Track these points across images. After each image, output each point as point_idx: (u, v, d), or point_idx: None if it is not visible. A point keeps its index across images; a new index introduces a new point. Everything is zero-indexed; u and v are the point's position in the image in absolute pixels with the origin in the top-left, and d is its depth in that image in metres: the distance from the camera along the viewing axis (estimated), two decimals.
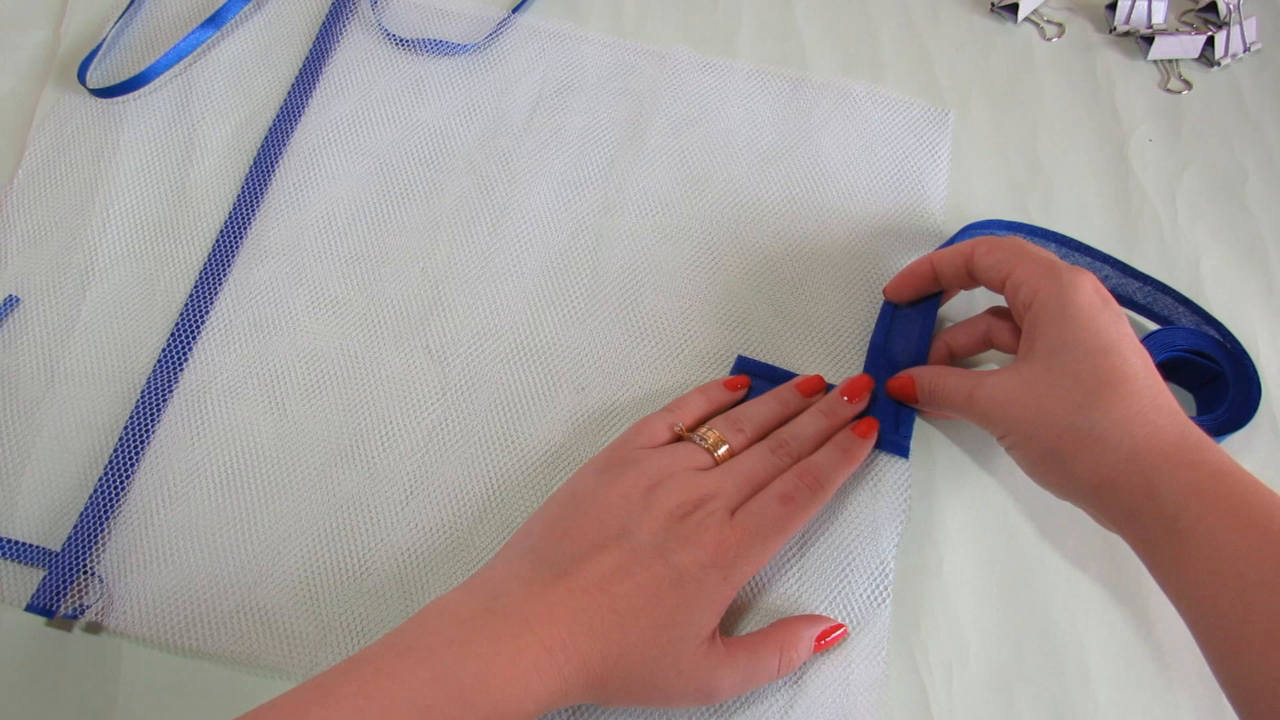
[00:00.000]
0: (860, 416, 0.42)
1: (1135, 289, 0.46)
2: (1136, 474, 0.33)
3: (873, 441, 0.41)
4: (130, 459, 0.41)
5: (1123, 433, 0.34)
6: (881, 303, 0.45)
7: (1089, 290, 0.37)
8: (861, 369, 0.44)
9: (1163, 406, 0.35)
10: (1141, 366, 0.36)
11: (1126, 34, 0.55)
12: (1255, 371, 0.43)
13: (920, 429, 0.43)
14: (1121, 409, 0.34)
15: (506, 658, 0.31)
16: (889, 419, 0.42)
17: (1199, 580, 0.32)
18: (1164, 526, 0.33)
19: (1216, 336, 0.44)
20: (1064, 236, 0.46)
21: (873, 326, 0.45)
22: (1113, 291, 0.40)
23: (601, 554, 0.34)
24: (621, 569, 0.34)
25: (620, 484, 0.37)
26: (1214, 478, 0.32)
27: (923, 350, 0.43)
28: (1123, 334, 0.36)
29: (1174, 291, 0.45)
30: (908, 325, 0.44)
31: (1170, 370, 0.44)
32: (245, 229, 0.47)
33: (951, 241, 0.46)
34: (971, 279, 0.41)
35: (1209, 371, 0.43)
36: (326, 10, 0.54)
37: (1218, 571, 0.31)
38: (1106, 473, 0.34)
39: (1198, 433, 0.34)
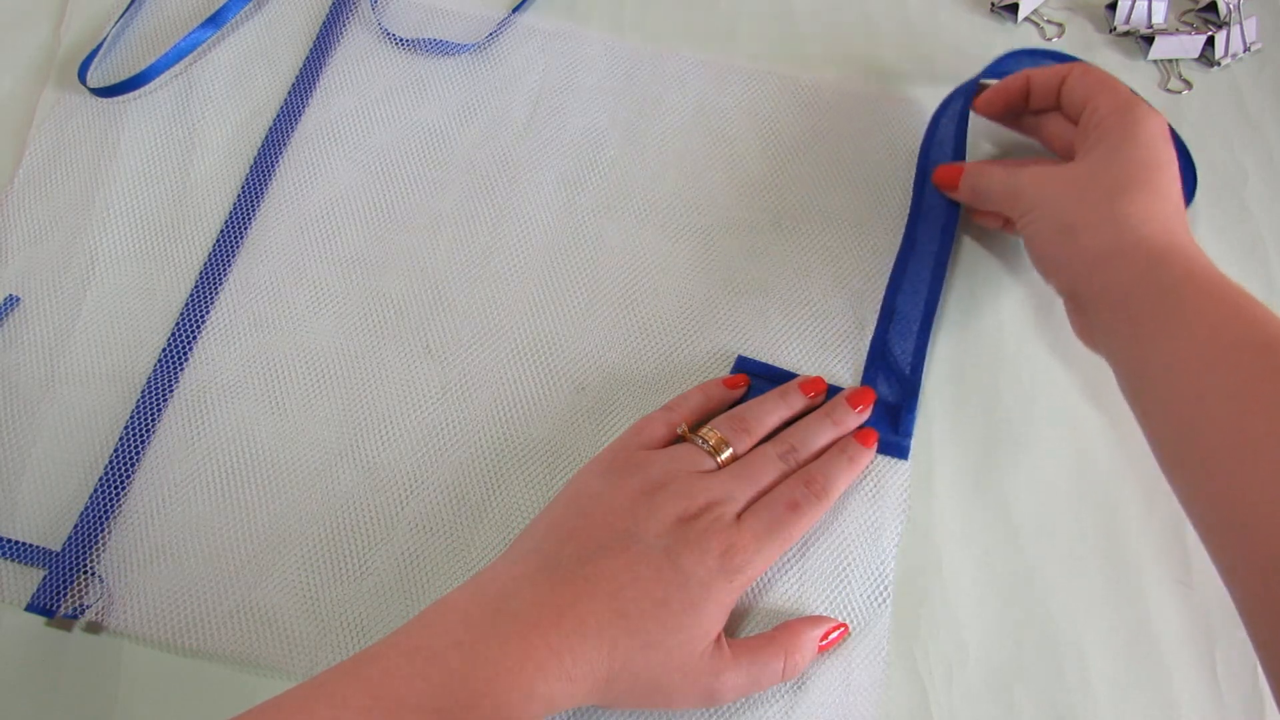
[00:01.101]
0: (862, 425, 0.42)
1: None
2: (1142, 253, 0.36)
3: (874, 450, 0.41)
4: (130, 459, 0.41)
5: (1140, 219, 0.37)
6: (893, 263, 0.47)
7: (1159, 125, 0.40)
8: (863, 368, 0.44)
9: (1182, 220, 0.38)
10: (1175, 189, 0.38)
11: (1126, 34, 0.55)
12: (1190, 156, 0.49)
13: (920, 430, 0.43)
14: (1145, 203, 0.37)
15: (514, 660, 0.31)
16: (888, 423, 0.43)
17: (1190, 355, 0.34)
18: (1158, 302, 0.35)
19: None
20: None
21: (874, 328, 0.45)
22: None
23: (608, 556, 0.34)
24: (628, 572, 0.34)
25: (625, 486, 0.37)
26: (1210, 273, 0.35)
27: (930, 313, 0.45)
28: (1171, 162, 0.39)
29: None
30: (917, 278, 0.46)
31: None
32: (245, 228, 0.47)
33: (990, 69, 0.50)
34: (1057, 101, 0.44)
35: None
36: (326, 10, 0.54)
37: (1211, 341, 0.33)
38: (1114, 246, 0.37)
39: (1204, 252, 0.37)
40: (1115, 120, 0.40)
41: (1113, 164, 0.39)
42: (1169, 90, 0.53)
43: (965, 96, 0.49)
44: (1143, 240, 0.36)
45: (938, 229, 0.47)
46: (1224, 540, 0.32)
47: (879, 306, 0.45)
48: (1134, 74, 0.54)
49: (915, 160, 0.50)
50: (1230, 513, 0.31)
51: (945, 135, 0.49)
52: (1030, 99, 0.45)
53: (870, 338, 0.45)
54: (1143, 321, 0.35)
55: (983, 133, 0.51)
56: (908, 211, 0.48)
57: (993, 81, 0.48)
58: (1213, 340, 0.33)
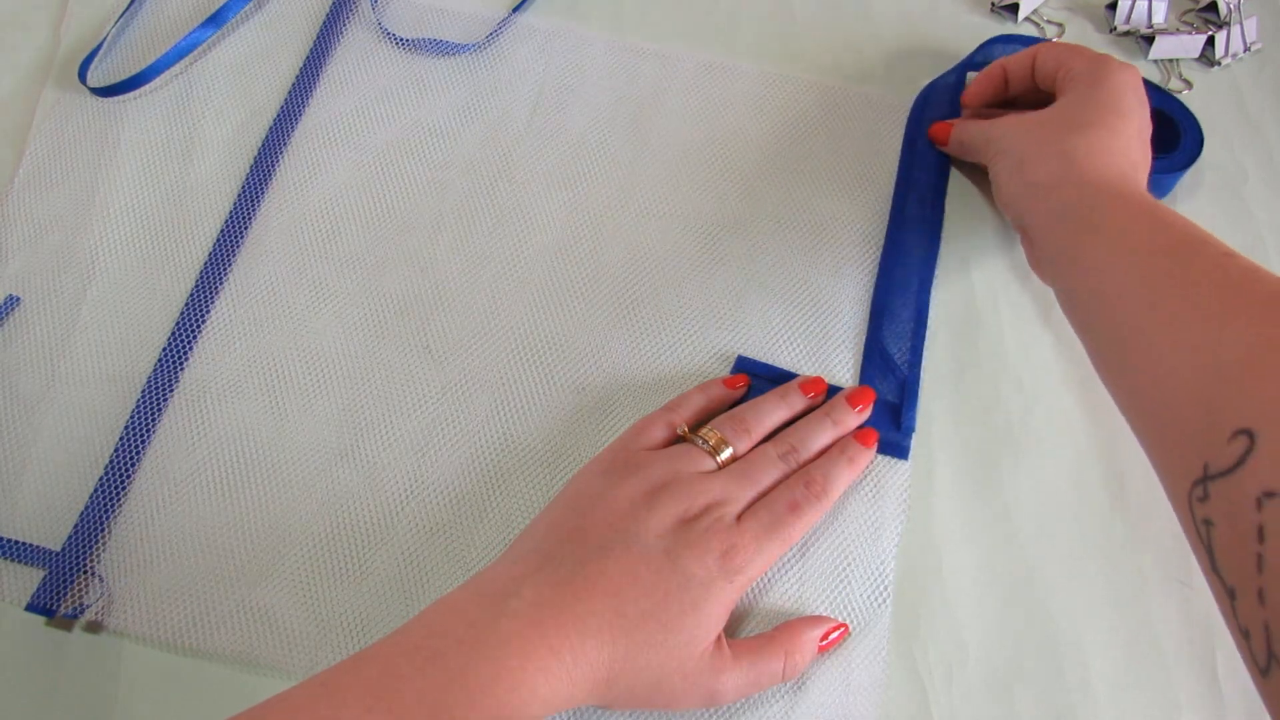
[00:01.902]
0: (862, 424, 0.42)
1: None
2: (1076, 183, 0.38)
3: (874, 450, 0.41)
4: (130, 459, 0.41)
5: (1084, 154, 0.39)
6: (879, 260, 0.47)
7: (1127, 76, 0.42)
8: (860, 368, 0.44)
9: (1132, 163, 0.40)
10: (1132, 136, 0.40)
11: (1126, 34, 0.55)
12: (1196, 119, 0.49)
13: (920, 430, 0.43)
14: (1095, 139, 0.40)
15: (515, 661, 0.31)
16: (889, 422, 0.43)
17: (1110, 263, 0.35)
18: (1085, 223, 0.37)
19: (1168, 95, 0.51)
20: None
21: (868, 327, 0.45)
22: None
23: (608, 557, 0.34)
24: (629, 573, 0.34)
25: (626, 487, 0.37)
26: (1140, 201, 0.37)
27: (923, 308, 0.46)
28: (1133, 111, 0.41)
29: None
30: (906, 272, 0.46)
31: None
32: (245, 228, 0.47)
33: (971, 58, 0.52)
34: (1033, 77, 0.46)
35: (1160, 122, 0.49)
36: (327, 10, 0.54)
37: (1127, 249, 0.35)
38: (1058, 176, 0.39)
39: (1145, 187, 0.39)
40: (1085, 70, 0.42)
41: (1073, 106, 0.42)
42: (1169, 90, 0.53)
43: (951, 90, 0.50)
44: (1085, 171, 0.38)
45: (922, 225, 0.47)
46: (1152, 424, 0.33)
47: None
48: None
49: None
50: (1155, 394, 0.32)
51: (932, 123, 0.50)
52: (1009, 85, 0.47)
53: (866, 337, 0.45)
54: (1075, 243, 0.37)
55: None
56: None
57: (975, 75, 0.50)
58: (1129, 247, 0.35)
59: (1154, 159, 0.47)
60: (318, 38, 0.53)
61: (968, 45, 0.54)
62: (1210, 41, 0.54)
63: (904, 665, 0.39)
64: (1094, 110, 0.41)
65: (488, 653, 0.31)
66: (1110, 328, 0.35)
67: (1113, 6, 0.55)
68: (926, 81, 0.53)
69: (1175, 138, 0.48)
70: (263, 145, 0.50)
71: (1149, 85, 0.50)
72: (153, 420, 0.42)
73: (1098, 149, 0.39)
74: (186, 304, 0.45)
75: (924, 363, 0.45)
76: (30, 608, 0.38)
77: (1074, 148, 0.40)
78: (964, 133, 0.47)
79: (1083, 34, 0.55)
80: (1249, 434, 0.28)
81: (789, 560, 0.40)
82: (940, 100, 0.51)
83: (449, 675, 0.30)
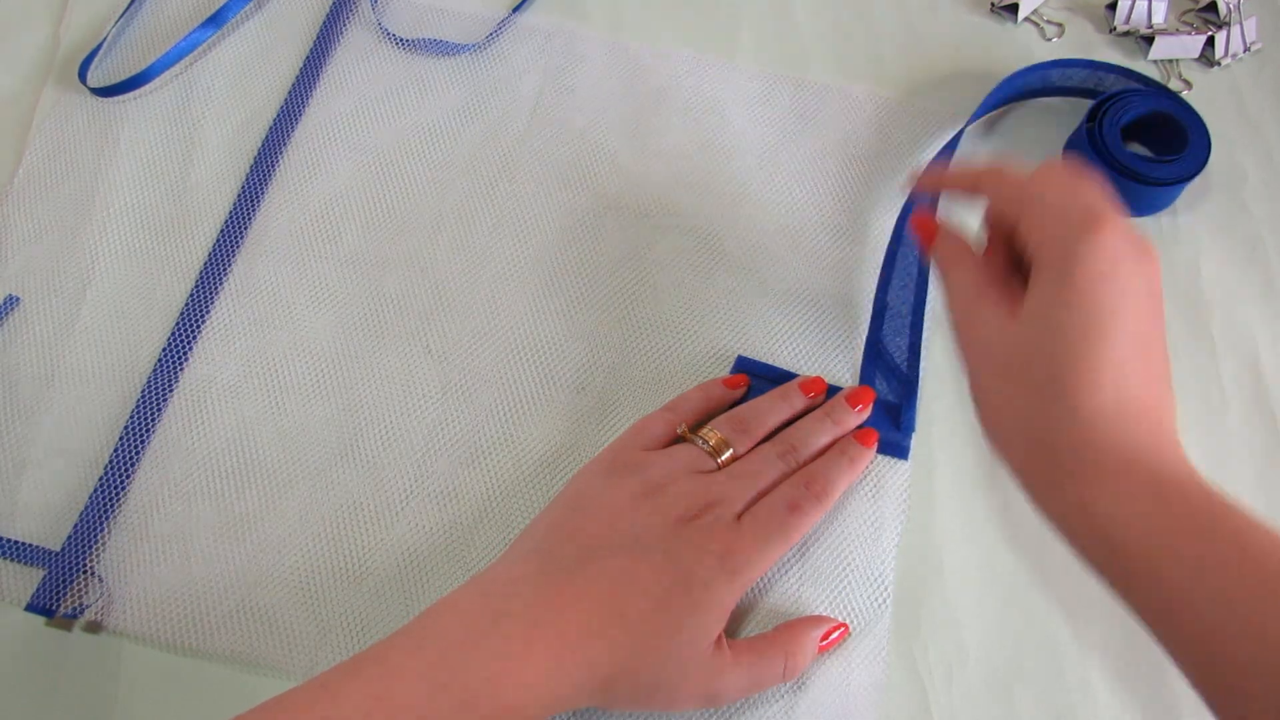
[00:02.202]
0: (861, 424, 0.42)
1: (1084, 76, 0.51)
2: (1050, 446, 0.30)
3: (874, 450, 0.41)
4: (130, 459, 0.41)
5: (1056, 399, 0.30)
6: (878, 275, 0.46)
7: (1111, 244, 0.30)
8: (860, 368, 0.44)
9: (1128, 388, 0.30)
10: (1134, 340, 0.30)
11: (1126, 34, 0.55)
12: (1203, 122, 0.48)
13: (920, 430, 0.43)
14: (1096, 386, 0.30)
15: (516, 662, 0.31)
16: (889, 422, 0.43)
17: (1121, 529, 0.29)
18: (1078, 493, 0.30)
19: (1171, 95, 0.50)
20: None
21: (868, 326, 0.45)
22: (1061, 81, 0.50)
23: (609, 557, 0.34)
24: (629, 573, 0.34)
25: (626, 487, 0.37)
26: (1138, 467, 0.29)
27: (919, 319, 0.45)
28: (1130, 298, 0.30)
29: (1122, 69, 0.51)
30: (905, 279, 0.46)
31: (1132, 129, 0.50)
32: (245, 228, 0.47)
33: (1003, 88, 0.50)
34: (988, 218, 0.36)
35: (1167, 124, 0.49)
36: (327, 10, 0.54)
37: (1141, 529, 0.28)
38: (1029, 439, 0.31)
39: (1148, 420, 0.30)
40: (1051, 245, 0.31)
41: (1040, 318, 0.31)
42: (1169, 90, 0.53)
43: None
44: (1058, 428, 0.30)
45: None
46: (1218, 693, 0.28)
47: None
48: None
49: (916, 161, 0.50)
50: (1228, 680, 0.28)
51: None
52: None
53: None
54: (1070, 502, 0.30)
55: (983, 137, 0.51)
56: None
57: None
58: (1139, 526, 0.29)
59: (1160, 165, 0.47)
60: (318, 38, 0.53)
61: (968, 45, 0.54)
62: (1210, 41, 0.54)
63: (904, 665, 0.39)
64: (1069, 323, 0.30)
65: (489, 653, 0.31)
66: (1142, 588, 0.29)
67: (1113, 6, 0.55)
68: (926, 82, 0.53)
69: (1183, 143, 0.48)
70: (263, 145, 0.49)
71: (1155, 88, 0.49)
72: (153, 420, 0.42)
73: (1075, 388, 0.30)
74: (186, 304, 0.45)
75: (924, 363, 0.45)
76: (30, 608, 0.38)
77: (1077, 406, 0.30)
78: (946, 274, 0.36)
79: (1083, 34, 0.55)
80: None
81: (789, 560, 0.40)
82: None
83: (449, 676, 0.30)
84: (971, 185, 0.35)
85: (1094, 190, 0.32)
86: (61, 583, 0.38)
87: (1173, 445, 0.31)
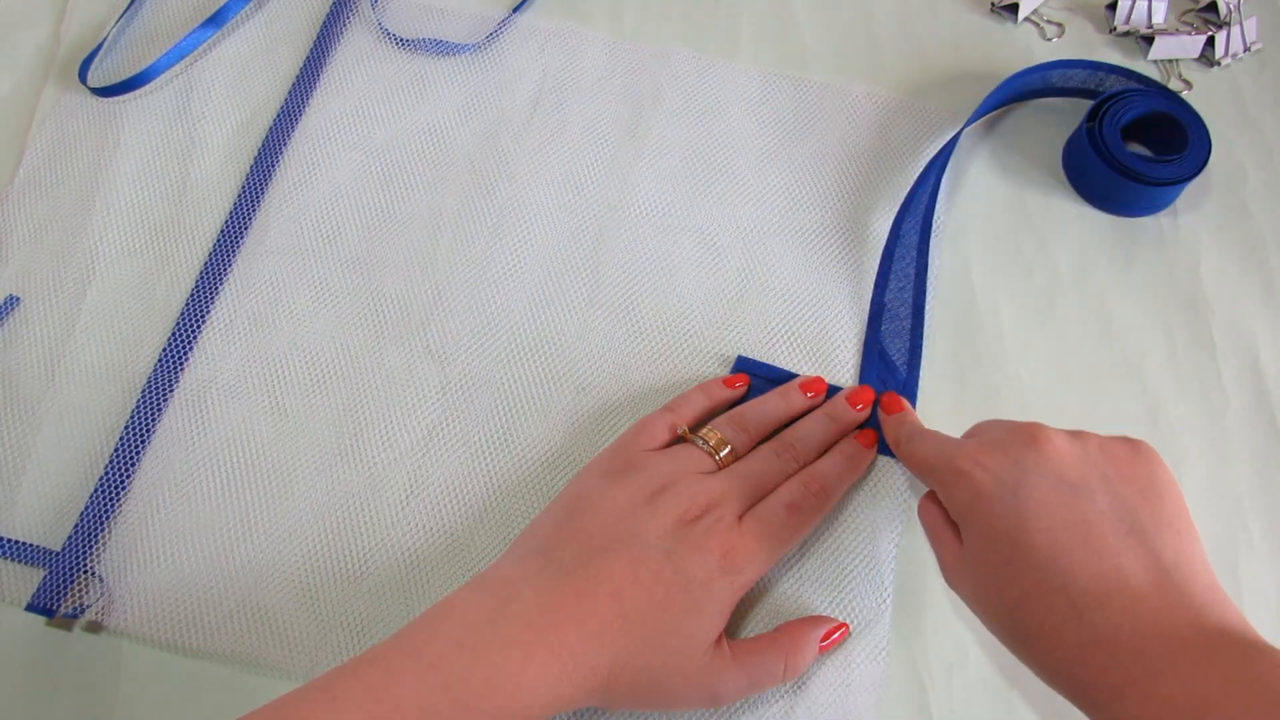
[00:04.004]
0: (862, 424, 0.42)
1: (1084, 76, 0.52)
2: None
3: (875, 451, 0.41)
4: (130, 459, 0.41)
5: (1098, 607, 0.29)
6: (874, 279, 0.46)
7: (1041, 494, 0.31)
8: (860, 368, 0.44)
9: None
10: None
11: (1126, 34, 0.55)
12: (1203, 122, 0.48)
13: None
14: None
15: (516, 664, 0.31)
16: None
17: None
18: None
19: (1172, 95, 0.50)
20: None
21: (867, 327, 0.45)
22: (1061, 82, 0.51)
23: (609, 558, 0.34)
24: (629, 574, 0.34)
25: (626, 488, 0.37)
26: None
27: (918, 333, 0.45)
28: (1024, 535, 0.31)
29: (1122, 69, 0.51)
30: (902, 284, 0.46)
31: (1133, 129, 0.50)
32: (245, 228, 0.47)
33: (993, 96, 0.50)
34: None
35: (1167, 124, 0.49)
36: (327, 10, 0.54)
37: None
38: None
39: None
40: (966, 521, 0.33)
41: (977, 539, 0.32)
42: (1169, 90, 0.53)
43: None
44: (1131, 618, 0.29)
45: (921, 225, 0.47)
46: None
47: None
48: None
49: (916, 160, 0.50)
50: None
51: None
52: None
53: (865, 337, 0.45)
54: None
55: (991, 141, 0.51)
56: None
57: None
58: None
59: (1161, 165, 0.47)
60: (318, 38, 0.53)
61: (967, 44, 0.54)
62: (1210, 41, 0.54)
63: (904, 665, 0.39)
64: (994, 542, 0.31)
65: (489, 655, 0.31)
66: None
67: (1113, 6, 0.55)
68: (925, 82, 0.53)
69: (1183, 143, 0.48)
70: (263, 145, 0.49)
71: (1155, 88, 0.50)
72: (153, 420, 0.42)
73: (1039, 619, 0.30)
74: (186, 304, 0.45)
75: (924, 363, 0.45)
76: (30, 608, 0.38)
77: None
78: (917, 472, 0.37)
79: (1083, 34, 0.55)
80: None
81: (789, 560, 0.40)
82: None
83: (450, 678, 0.30)
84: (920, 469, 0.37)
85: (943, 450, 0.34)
86: (62, 583, 0.38)
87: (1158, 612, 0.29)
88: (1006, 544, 0.31)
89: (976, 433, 0.36)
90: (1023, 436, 0.33)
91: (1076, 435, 0.33)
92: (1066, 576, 0.30)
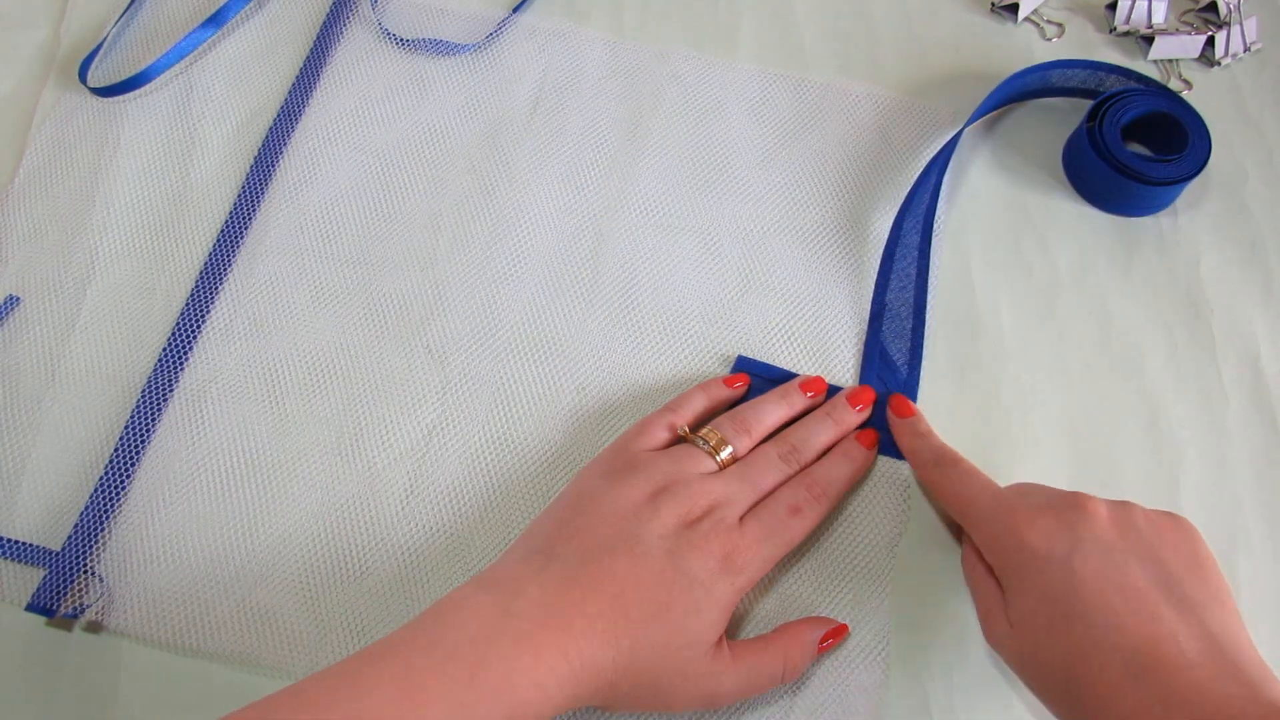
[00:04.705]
0: (862, 424, 0.42)
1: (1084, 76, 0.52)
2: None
3: (876, 452, 0.41)
4: (130, 459, 0.41)
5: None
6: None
7: (1092, 565, 0.32)
8: (860, 368, 0.44)
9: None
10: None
11: (1126, 34, 0.55)
12: (1204, 122, 0.48)
13: None
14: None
15: (527, 660, 0.31)
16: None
17: None
18: None
19: (1172, 95, 0.50)
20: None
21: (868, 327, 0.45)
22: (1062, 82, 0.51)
23: (611, 558, 0.34)
24: (631, 574, 0.34)
25: (627, 488, 0.37)
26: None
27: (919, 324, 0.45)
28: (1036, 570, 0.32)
29: (1122, 69, 0.51)
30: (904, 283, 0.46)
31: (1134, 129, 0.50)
32: (245, 228, 0.47)
33: (993, 96, 0.49)
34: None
35: (1167, 124, 0.49)
36: (327, 10, 0.54)
37: None
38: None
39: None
40: (1018, 578, 0.34)
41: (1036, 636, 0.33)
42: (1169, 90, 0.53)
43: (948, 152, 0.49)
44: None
45: (922, 225, 0.47)
46: None
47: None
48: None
49: (916, 161, 0.50)
50: None
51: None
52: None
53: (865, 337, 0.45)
54: None
55: (993, 150, 0.51)
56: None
57: None
58: None
59: (1161, 165, 0.47)
60: (318, 38, 0.53)
61: (967, 45, 0.54)
62: (1210, 42, 0.54)
63: (904, 665, 0.39)
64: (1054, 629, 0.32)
65: (502, 650, 0.31)
66: None
67: (1113, 6, 0.55)
68: (925, 82, 0.53)
69: (1183, 143, 0.48)
70: (263, 145, 0.50)
71: (1155, 88, 0.50)
72: (153, 420, 0.42)
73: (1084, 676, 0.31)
74: (186, 304, 0.45)
75: (924, 363, 0.45)
76: (30, 608, 0.38)
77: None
78: (955, 515, 0.38)
79: (1083, 34, 0.55)
80: None
81: (789, 560, 0.40)
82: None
83: (465, 672, 0.30)
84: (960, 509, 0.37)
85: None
86: (62, 583, 0.38)
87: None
88: (1060, 604, 0.32)
89: (1019, 494, 0.36)
90: (1071, 502, 0.34)
91: (1120, 505, 0.35)
92: (1120, 637, 0.30)
